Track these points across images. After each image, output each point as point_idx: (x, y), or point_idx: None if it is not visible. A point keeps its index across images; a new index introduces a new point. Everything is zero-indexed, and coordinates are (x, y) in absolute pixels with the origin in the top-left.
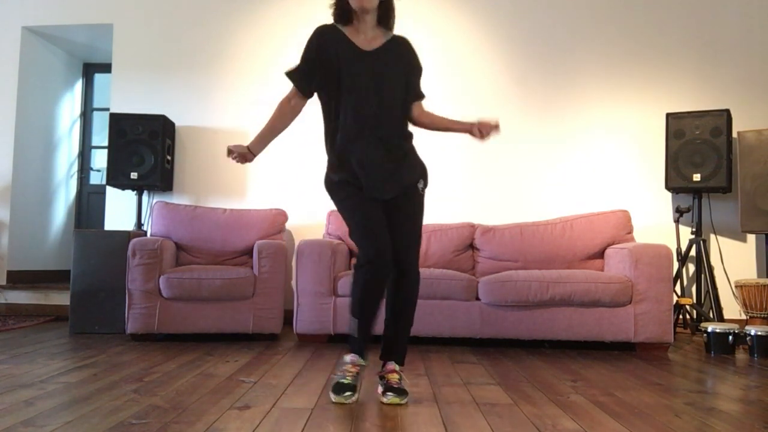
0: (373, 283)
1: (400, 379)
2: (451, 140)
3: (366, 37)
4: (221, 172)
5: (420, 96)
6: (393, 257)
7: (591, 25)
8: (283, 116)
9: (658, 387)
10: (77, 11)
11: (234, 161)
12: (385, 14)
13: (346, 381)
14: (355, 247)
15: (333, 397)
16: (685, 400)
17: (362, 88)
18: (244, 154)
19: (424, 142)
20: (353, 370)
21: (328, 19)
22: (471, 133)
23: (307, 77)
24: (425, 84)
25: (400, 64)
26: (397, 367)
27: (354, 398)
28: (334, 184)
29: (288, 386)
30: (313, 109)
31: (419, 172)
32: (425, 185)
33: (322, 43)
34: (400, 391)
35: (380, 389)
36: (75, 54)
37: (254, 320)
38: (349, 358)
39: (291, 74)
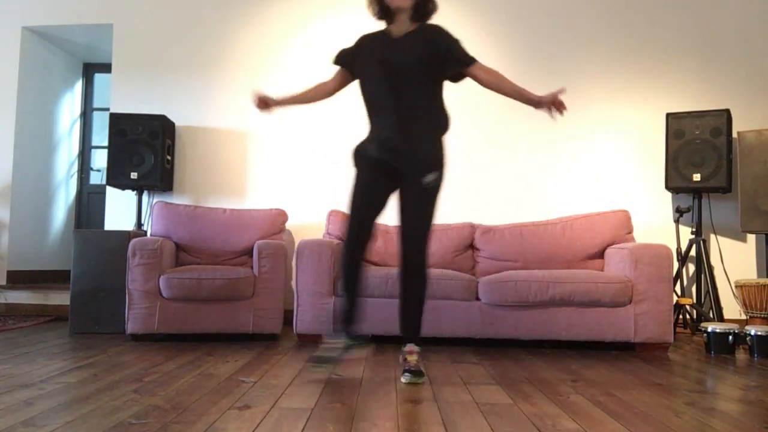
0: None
1: (417, 361)
2: (451, 140)
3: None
4: (221, 172)
5: (465, 62)
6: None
7: (591, 25)
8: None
9: (658, 387)
10: (77, 11)
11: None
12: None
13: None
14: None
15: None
16: (685, 400)
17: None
18: (266, 100)
19: None
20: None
21: (327, 19)
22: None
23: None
24: None
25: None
26: (415, 348)
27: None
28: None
29: (288, 386)
30: (311, 112)
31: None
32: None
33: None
34: (416, 373)
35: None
36: (75, 54)
37: (254, 320)
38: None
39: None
